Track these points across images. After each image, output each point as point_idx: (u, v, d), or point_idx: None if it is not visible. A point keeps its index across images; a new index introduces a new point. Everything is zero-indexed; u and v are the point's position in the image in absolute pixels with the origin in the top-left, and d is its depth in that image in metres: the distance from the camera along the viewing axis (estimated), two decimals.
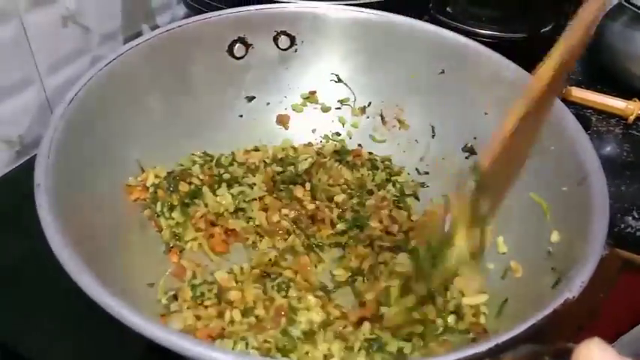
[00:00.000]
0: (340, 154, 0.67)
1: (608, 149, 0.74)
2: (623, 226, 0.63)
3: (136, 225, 0.52)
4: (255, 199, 0.60)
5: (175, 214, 0.56)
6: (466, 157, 0.63)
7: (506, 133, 0.39)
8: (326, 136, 0.69)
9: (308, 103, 0.69)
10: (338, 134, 0.69)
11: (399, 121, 0.68)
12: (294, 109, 0.69)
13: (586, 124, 0.75)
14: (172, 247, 0.55)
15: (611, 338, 0.73)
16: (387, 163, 0.67)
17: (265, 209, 0.59)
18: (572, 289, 0.38)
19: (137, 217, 0.52)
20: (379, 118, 0.68)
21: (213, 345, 0.32)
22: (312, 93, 0.69)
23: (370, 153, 0.68)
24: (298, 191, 0.61)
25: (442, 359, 0.33)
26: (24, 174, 0.42)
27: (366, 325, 0.49)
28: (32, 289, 0.50)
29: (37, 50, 0.61)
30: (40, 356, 0.46)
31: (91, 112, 0.50)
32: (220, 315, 0.49)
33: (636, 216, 0.64)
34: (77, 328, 0.48)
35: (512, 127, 0.39)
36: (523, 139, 0.41)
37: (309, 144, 0.68)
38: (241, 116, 0.67)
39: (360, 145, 0.68)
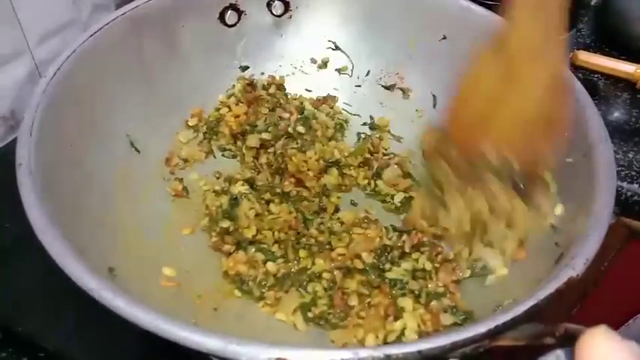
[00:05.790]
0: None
1: (615, 115, 0.71)
2: (630, 194, 0.62)
3: (128, 203, 0.51)
4: None
5: None
6: None
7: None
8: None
9: None
10: None
11: (400, 90, 0.65)
12: None
13: (593, 89, 0.73)
14: None
15: (615, 309, 0.73)
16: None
17: None
18: (576, 268, 0.36)
19: (129, 194, 0.51)
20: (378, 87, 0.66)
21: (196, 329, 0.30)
22: None
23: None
24: None
25: (440, 340, 0.32)
26: None
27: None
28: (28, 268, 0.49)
29: (26, 21, 0.59)
30: (39, 337, 0.46)
31: (76, 85, 0.48)
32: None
33: None
34: (74, 308, 0.47)
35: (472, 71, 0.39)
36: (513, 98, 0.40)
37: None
38: (234, 87, 0.64)
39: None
